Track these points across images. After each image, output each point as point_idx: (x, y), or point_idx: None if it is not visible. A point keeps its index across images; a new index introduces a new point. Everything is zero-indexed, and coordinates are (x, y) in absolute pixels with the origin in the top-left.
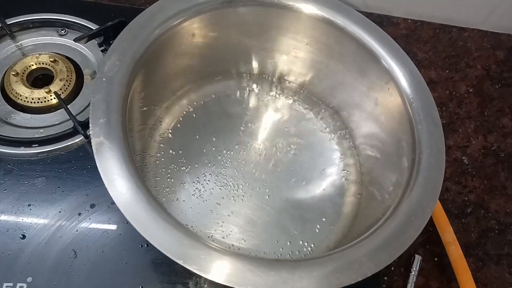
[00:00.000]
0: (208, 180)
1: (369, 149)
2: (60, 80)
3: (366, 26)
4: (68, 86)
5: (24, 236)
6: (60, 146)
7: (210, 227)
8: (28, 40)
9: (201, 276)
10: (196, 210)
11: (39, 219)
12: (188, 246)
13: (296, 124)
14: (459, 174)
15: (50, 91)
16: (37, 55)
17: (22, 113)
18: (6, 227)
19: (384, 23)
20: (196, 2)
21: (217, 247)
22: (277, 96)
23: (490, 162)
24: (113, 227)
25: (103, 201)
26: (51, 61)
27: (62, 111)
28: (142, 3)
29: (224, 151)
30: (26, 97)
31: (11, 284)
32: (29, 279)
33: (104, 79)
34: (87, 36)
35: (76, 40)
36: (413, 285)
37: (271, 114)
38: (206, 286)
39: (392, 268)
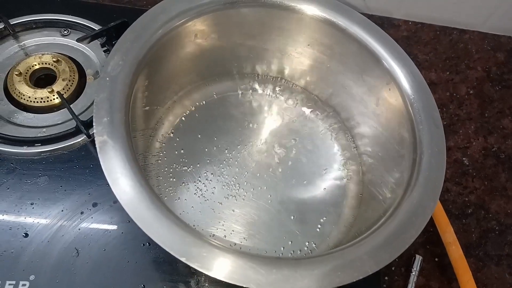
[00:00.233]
0: (210, 180)
1: (370, 149)
2: (63, 80)
3: (367, 27)
4: (71, 86)
5: (26, 235)
6: (63, 146)
7: (212, 226)
8: (31, 40)
9: (202, 275)
10: (198, 209)
11: (41, 218)
12: (190, 244)
13: (298, 124)
14: (460, 175)
15: (53, 90)
16: (40, 55)
17: (25, 112)
18: (9, 225)
19: (385, 25)
20: (198, 3)
21: (219, 245)
22: (279, 96)
23: (490, 163)
24: (115, 226)
25: (105, 200)
26: (54, 61)
27: (64, 110)
28: (144, 4)
29: (226, 151)
30: (29, 97)
31: (14, 282)
32: (31, 277)
33: (107, 79)
34: (89, 37)
35: (78, 40)
36: (413, 285)
37: (273, 115)
38: (207, 284)
39: (393, 268)
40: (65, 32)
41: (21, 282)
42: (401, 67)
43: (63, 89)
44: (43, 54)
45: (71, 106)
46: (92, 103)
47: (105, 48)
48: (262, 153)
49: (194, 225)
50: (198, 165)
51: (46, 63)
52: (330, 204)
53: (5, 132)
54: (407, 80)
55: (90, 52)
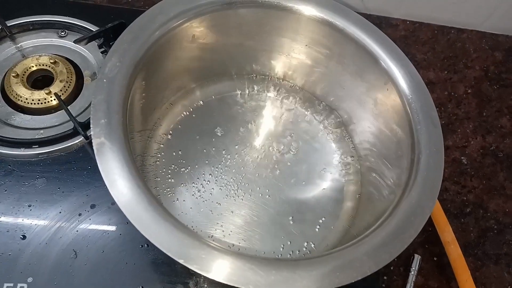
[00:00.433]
0: (208, 181)
1: (368, 149)
2: (60, 81)
3: (365, 28)
4: (68, 87)
5: (24, 237)
6: (60, 147)
7: (210, 227)
8: (28, 41)
9: (201, 276)
10: (196, 210)
11: (39, 220)
12: (189, 246)
13: (296, 125)
14: (458, 174)
15: (50, 92)
16: (37, 56)
17: (23, 114)
18: (6, 227)
19: (383, 24)
20: (196, 4)
21: (218, 246)
22: (277, 96)
23: (488, 162)
24: (113, 227)
25: (103, 202)
26: (51, 63)
27: (62, 112)
28: (141, 5)
29: (224, 152)
30: (26, 99)
31: (11, 285)
32: (29, 279)
33: (105, 80)
34: (87, 38)
35: (76, 41)
36: (412, 284)
37: (271, 115)
38: (206, 286)
39: (392, 268)
40: (62, 33)
41: (19, 285)
42: (399, 67)
43: (61, 90)
44: (40, 56)
45: (68, 107)
46: (89, 105)
47: (102, 49)
48: (260, 153)
49: (192, 226)
50: (196, 166)
51: (43, 65)
52: (328, 205)
53: (2, 134)
54: (405, 80)
55: (87, 53)
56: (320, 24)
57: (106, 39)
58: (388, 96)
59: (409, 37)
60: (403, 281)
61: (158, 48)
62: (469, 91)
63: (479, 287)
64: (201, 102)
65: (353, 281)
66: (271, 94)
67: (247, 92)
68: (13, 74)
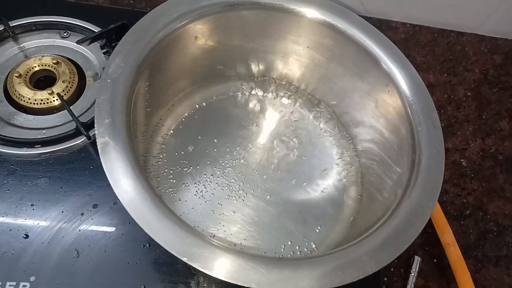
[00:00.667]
0: (210, 181)
1: (369, 150)
2: (63, 81)
3: (366, 30)
4: (71, 87)
5: (27, 236)
6: (63, 147)
7: (212, 227)
8: (31, 42)
9: (202, 276)
10: (198, 210)
11: (41, 219)
12: (192, 244)
13: (297, 126)
14: (458, 177)
15: (52, 92)
16: (40, 57)
17: (25, 114)
18: (9, 227)
19: (383, 27)
20: (199, 5)
21: (220, 245)
22: (278, 98)
23: (488, 164)
24: (115, 227)
25: (105, 202)
26: (53, 63)
27: (64, 112)
28: (143, 6)
29: (226, 152)
30: (29, 99)
31: (14, 283)
32: (32, 278)
33: (109, 81)
34: (89, 39)
35: (78, 42)
36: (412, 286)
37: (272, 116)
38: (207, 285)
39: (392, 269)
40: (64, 34)
41: (22, 283)
42: (400, 69)
43: (63, 90)
44: (43, 56)
45: (71, 107)
46: (92, 105)
47: (104, 50)
48: (261, 154)
49: (194, 226)
50: (198, 167)
51: (46, 65)
52: (329, 205)
53: (5, 134)
54: (405, 82)
55: (89, 54)
56: (322, 26)
57: (108, 40)
58: (389, 98)
59: (409, 40)
60: (403, 282)
61: (161, 49)
62: (468, 94)
63: None
64: (203, 103)
65: (355, 280)
66: (273, 95)
67: (248, 93)
68: (16, 74)
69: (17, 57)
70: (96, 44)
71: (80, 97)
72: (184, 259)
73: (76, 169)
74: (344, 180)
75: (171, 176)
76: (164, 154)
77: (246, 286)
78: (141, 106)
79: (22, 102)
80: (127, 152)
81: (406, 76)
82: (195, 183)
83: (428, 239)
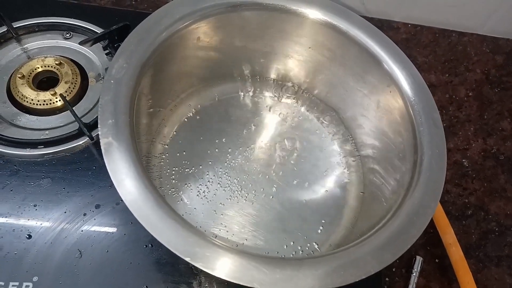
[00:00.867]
0: (212, 181)
1: (371, 151)
2: (65, 82)
3: (368, 30)
4: (73, 88)
5: (30, 236)
6: (65, 148)
7: (214, 227)
8: (34, 43)
9: (204, 276)
10: (200, 210)
11: (44, 220)
12: (194, 244)
13: (299, 126)
14: (460, 177)
15: (55, 93)
16: (43, 58)
17: (28, 115)
18: (12, 227)
19: (384, 27)
20: (201, 6)
21: (223, 244)
22: (280, 98)
23: (490, 164)
24: (117, 227)
25: (108, 202)
26: (56, 64)
27: (67, 113)
28: (145, 7)
29: (228, 153)
30: (32, 99)
31: (17, 283)
32: (35, 279)
33: (112, 81)
34: (92, 40)
35: (81, 43)
36: (414, 286)
37: (274, 116)
38: (209, 285)
39: (393, 269)
40: (67, 35)
41: (24, 284)
42: (402, 69)
43: (66, 91)
44: (45, 57)
45: (73, 108)
46: (94, 106)
47: (107, 51)
48: (263, 154)
49: (196, 226)
50: (200, 167)
51: (48, 66)
52: (331, 205)
53: (8, 134)
54: (407, 82)
55: (92, 55)
56: (324, 26)
57: (111, 40)
58: (390, 98)
59: (410, 40)
60: (405, 282)
61: (164, 50)
62: (470, 94)
63: None
64: (205, 104)
65: (356, 280)
66: (274, 95)
67: (250, 93)
68: (19, 75)
69: (20, 58)
70: (99, 45)
71: (82, 98)
72: (187, 259)
73: (79, 169)
74: (346, 180)
75: (173, 176)
76: (167, 154)
77: (248, 285)
78: (144, 106)
79: (25, 103)
80: (130, 152)
81: (407, 76)
82: (197, 184)
83: (430, 239)
